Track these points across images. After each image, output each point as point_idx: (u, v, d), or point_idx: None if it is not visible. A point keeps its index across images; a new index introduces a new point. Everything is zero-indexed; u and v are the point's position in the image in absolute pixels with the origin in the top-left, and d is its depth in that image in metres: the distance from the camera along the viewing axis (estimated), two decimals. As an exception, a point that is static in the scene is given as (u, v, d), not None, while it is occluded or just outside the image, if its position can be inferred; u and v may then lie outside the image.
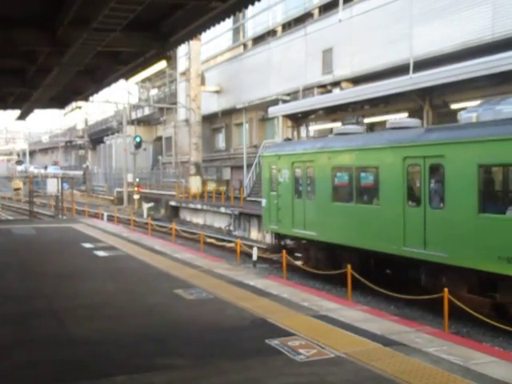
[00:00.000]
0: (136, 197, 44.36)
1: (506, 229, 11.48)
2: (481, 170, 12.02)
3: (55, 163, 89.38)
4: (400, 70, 25.10)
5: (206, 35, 33.51)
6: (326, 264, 16.99)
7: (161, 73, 59.75)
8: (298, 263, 17.06)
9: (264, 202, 20.08)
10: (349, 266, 13.84)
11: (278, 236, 19.87)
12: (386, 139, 14.90)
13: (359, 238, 15.60)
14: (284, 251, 16.45)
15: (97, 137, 75.09)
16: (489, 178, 12.29)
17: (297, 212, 18.26)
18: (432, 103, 23.42)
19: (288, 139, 24.09)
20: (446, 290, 11.18)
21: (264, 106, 34.90)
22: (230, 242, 22.73)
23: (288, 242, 19.44)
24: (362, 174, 15.70)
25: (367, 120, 26.29)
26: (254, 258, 18.85)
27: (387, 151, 14.59)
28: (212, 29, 13.00)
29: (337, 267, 16.10)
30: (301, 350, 8.02)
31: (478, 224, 12.11)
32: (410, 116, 23.79)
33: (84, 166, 74.95)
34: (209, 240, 22.70)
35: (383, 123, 18.49)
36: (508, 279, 11.59)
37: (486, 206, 12.07)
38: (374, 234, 15.05)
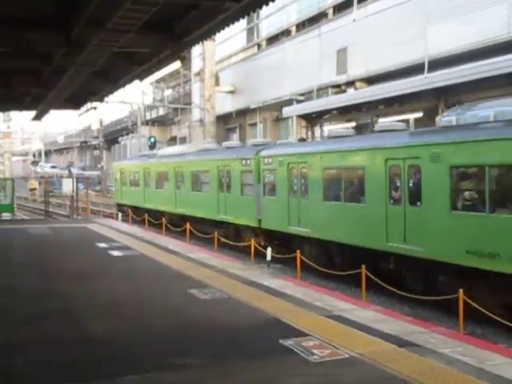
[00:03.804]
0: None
1: (476, 225, 12.39)
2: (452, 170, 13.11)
3: (70, 164, 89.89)
4: (415, 69, 24.98)
5: (220, 35, 33.57)
6: (319, 259, 17.94)
7: (175, 73, 59.91)
8: (313, 263, 16.95)
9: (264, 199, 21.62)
10: (363, 267, 13.74)
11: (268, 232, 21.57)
12: (370, 142, 16.19)
13: (348, 234, 16.66)
14: (298, 251, 16.58)
15: (111, 137, 75.38)
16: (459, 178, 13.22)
17: (292, 210, 19.53)
18: (447, 102, 23.30)
19: (302, 139, 24.03)
20: (460, 290, 11.13)
21: (278, 106, 34.85)
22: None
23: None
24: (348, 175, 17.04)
25: (382, 120, 26.20)
26: (268, 258, 18.77)
27: (371, 152, 15.77)
28: (226, 29, 13.03)
29: (331, 263, 17.40)
30: (315, 351, 8.01)
31: (450, 221, 13.03)
32: (425, 116, 23.65)
33: (99, 166, 75.36)
34: (222, 240, 22.53)
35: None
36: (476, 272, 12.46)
37: (457, 204, 13.04)
38: (360, 230, 16.15)
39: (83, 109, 35.88)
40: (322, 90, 32.46)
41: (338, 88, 31.61)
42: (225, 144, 27.88)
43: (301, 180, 19.25)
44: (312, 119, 32.59)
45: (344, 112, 29.61)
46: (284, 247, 19.97)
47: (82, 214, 37.00)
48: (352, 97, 28.01)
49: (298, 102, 33.37)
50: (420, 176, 13.92)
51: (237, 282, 13.37)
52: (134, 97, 59.36)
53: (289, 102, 33.60)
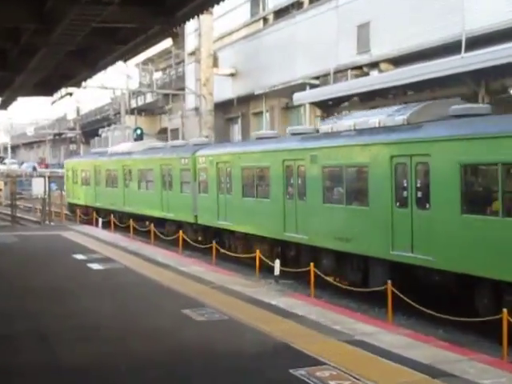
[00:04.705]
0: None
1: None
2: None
3: (41, 160, 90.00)
4: (450, 48, 24.89)
5: (219, 8, 33.59)
6: (241, 249, 23.39)
7: (166, 53, 59.94)
8: (329, 279, 17.21)
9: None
10: (389, 283, 13.82)
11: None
12: (271, 145, 22.31)
13: (260, 226, 22.16)
14: (312, 264, 16.61)
15: (90, 129, 75.41)
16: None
17: (221, 206, 25.00)
18: (488, 88, 23.24)
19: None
20: (504, 310, 11.12)
21: (288, 91, 34.72)
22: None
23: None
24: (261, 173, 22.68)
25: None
26: (276, 272, 18.76)
27: (272, 155, 21.77)
28: (226, 0, 13.04)
29: (248, 251, 22.10)
30: (331, 382, 8.02)
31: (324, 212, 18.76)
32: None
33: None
34: (222, 250, 22.90)
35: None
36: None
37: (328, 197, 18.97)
38: (266, 223, 21.76)
39: (57, 95, 35.90)
40: (340, 73, 32.33)
41: (359, 70, 31.48)
42: (170, 143, 33.85)
43: (226, 178, 24.80)
44: (328, 107, 32.47)
45: (366, 99, 29.48)
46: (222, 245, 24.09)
47: (55, 219, 37.02)
48: (375, 81, 27.93)
49: (312, 86, 33.27)
50: (304, 175, 19.76)
51: (238, 300, 13.41)
52: (116, 81, 59.41)
53: (301, 87, 33.52)
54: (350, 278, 17.71)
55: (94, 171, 39.25)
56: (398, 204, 16.03)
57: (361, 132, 17.96)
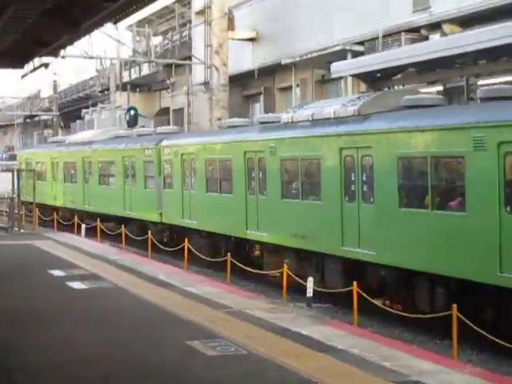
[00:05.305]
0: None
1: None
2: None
3: (9, 149, 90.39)
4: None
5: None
6: (207, 251, 26.29)
7: (167, 12, 59.84)
8: (378, 302, 17.17)
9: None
10: (455, 307, 13.78)
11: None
12: (233, 136, 25.45)
13: (227, 226, 25.23)
14: (355, 283, 16.67)
15: (71, 109, 75.56)
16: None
17: (186, 203, 27.94)
18: None
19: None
20: None
21: (324, 60, 34.45)
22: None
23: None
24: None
25: (483, 82, 25.96)
26: (309, 293, 18.68)
27: (232, 146, 25.12)
28: None
29: (216, 253, 25.60)
30: None
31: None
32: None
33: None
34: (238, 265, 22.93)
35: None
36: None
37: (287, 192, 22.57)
38: (227, 220, 25.19)
39: (28, 67, 36.02)
40: (390, 37, 31.97)
41: (416, 33, 31.24)
42: (136, 131, 35.82)
43: (191, 171, 27.74)
44: (376, 81, 32.14)
45: (425, 70, 29.17)
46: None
47: (26, 225, 37.09)
48: (437, 47, 27.31)
49: (355, 54, 32.93)
50: (265, 168, 23.10)
51: (260, 329, 13.48)
52: (104, 49, 59.28)
53: (340, 55, 33.04)
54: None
55: (51, 164, 41.59)
56: (347, 198, 19.39)
57: (315, 123, 21.19)
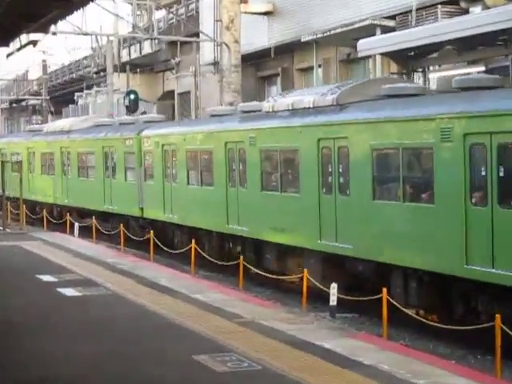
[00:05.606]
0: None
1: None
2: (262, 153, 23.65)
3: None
4: None
5: None
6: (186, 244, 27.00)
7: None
8: (411, 312, 16.91)
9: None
10: (498, 317, 13.54)
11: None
12: (214, 125, 26.67)
13: (208, 220, 26.31)
14: (385, 290, 16.40)
15: (63, 92, 75.18)
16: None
17: (167, 196, 28.70)
18: None
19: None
20: None
21: (350, 37, 33.90)
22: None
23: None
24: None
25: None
26: (333, 301, 18.33)
27: (214, 136, 26.21)
28: None
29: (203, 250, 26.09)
30: None
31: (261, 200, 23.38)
32: None
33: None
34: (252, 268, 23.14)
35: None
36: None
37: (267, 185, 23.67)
38: (208, 214, 26.10)
39: (15, 46, 35.34)
40: (425, 10, 31.18)
41: (455, 6, 30.44)
42: (118, 119, 36.33)
43: (172, 163, 28.57)
44: (408, 60, 31.76)
45: (465, 48, 28.74)
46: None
47: (12, 224, 37.40)
48: (478, 22, 26.84)
49: (385, 30, 32.21)
50: (245, 159, 23.99)
51: (277, 342, 13.54)
52: (100, 25, 58.48)
53: (368, 31, 32.48)
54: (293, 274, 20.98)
55: (28, 155, 42.12)
56: (324, 190, 20.34)
57: (295, 112, 22.14)
